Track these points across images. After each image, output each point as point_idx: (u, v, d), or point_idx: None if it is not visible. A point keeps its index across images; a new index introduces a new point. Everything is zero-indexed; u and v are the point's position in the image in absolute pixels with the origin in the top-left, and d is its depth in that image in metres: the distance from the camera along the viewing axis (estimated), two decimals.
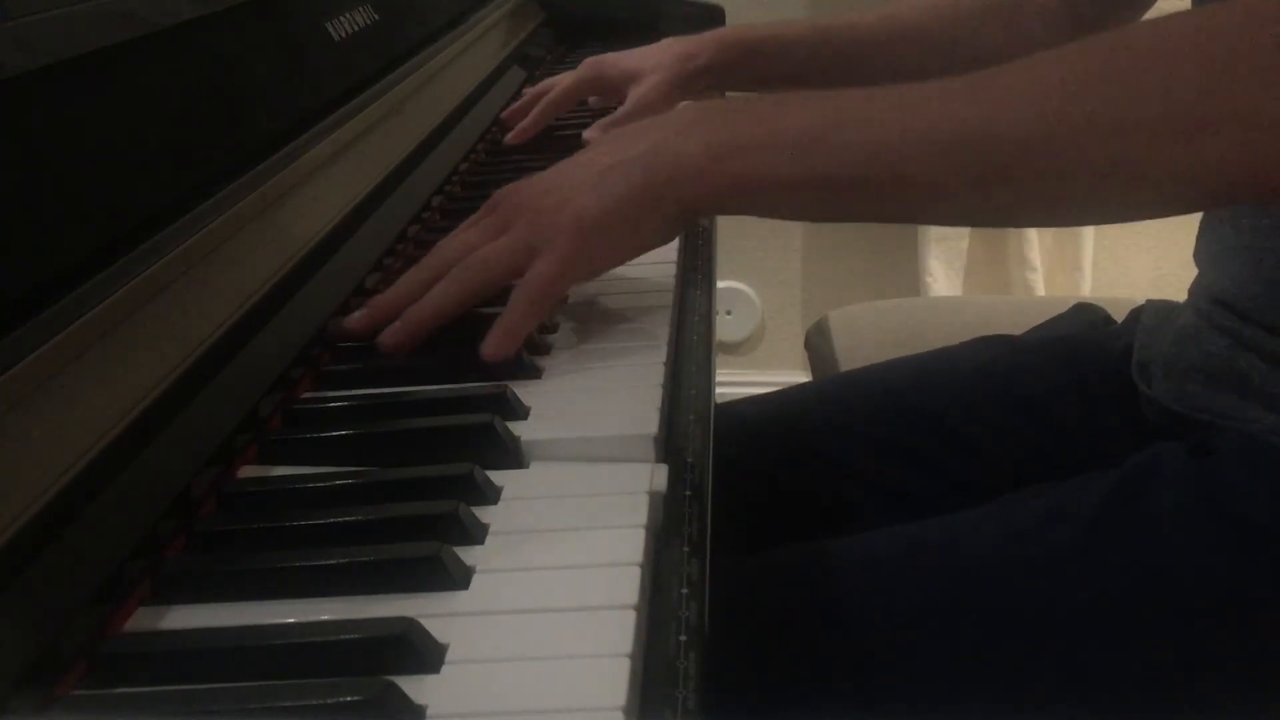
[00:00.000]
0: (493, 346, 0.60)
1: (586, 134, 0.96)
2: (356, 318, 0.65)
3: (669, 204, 0.62)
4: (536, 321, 0.63)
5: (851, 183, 0.58)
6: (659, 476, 0.51)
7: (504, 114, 1.06)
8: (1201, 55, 0.51)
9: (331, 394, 0.62)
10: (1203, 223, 0.80)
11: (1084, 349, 0.90)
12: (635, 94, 1.00)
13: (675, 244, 0.79)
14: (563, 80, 1.05)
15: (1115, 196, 0.55)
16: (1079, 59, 0.55)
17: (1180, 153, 0.51)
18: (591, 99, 1.09)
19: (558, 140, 1.03)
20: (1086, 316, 0.96)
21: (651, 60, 1.01)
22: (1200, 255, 0.80)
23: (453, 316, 0.63)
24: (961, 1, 1.00)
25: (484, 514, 0.50)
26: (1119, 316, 0.92)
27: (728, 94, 1.08)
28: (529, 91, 1.08)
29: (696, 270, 0.79)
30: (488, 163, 1.02)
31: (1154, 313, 0.85)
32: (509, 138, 1.03)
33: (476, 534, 0.48)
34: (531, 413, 0.58)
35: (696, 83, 1.01)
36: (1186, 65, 0.51)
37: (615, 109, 1.03)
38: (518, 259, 0.63)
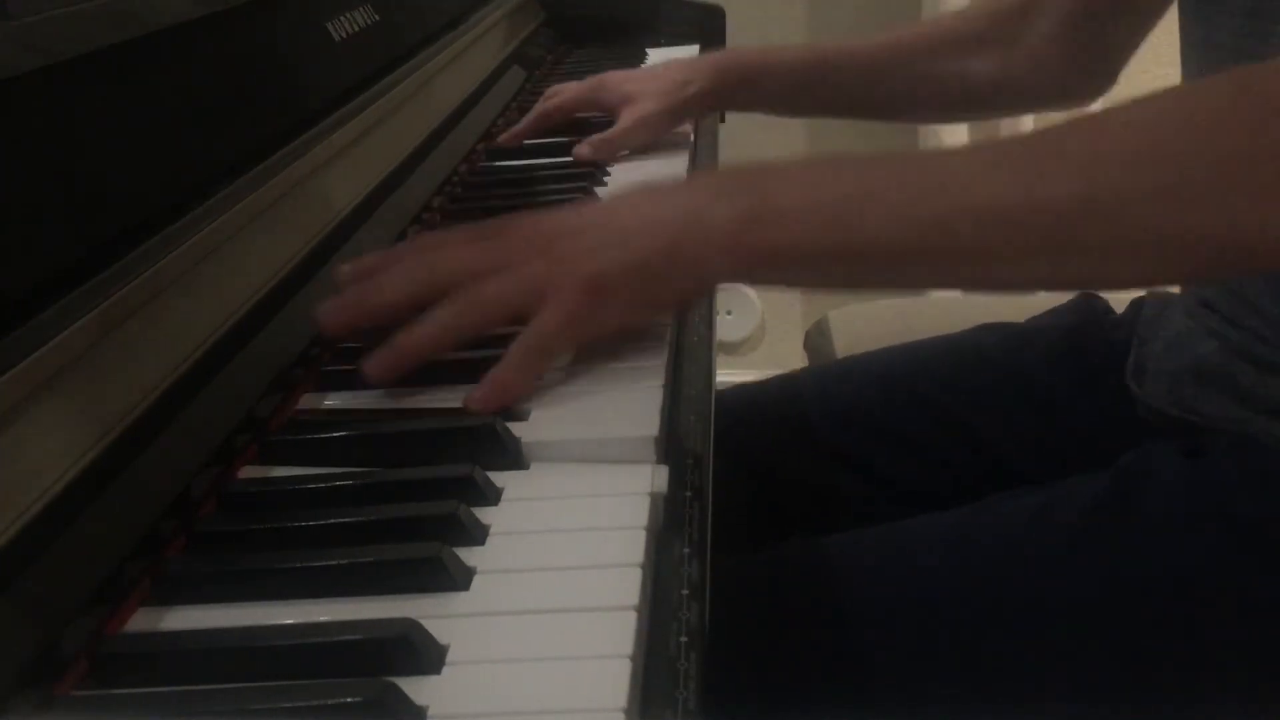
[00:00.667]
0: (481, 401, 0.57)
1: (576, 150, 0.96)
2: (335, 309, 0.61)
3: (691, 275, 0.59)
4: (532, 378, 0.59)
5: (889, 255, 0.56)
6: (659, 477, 0.51)
7: (502, 138, 1.05)
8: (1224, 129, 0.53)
9: (332, 394, 0.62)
10: None
11: (1085, 338, 0.90)
12: (628, 114, 1.00)
13: None
14: (566, 91, 1.06)
15: (1159, 262, 0.56)
16: (1114, 130, 0.55)
17: (1229, 214, 0.52)
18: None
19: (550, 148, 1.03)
20: (1089, 306, 0.95)
21: (649, 85, 1.02)
22: None
23: (444, 352, 0.60)
24: (957, 29, 1.01)
25: (485, 515, 0.50)
26: (1119, 307, 0.92)
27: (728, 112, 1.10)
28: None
29: None
30: (488, 164, 1.02)
31: (1154, 306, 0.85)
32: (501, 137, 1.04)
33: (477, 535, 0.48)
34: (532, 413, 0.58)
35: (691, 108, 1.02)
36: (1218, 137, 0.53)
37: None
38: (524, 303, 0.58)
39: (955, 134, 1.88)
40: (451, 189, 0.94)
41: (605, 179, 0.94)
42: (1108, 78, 0.99)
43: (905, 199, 0.56)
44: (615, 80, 1.04)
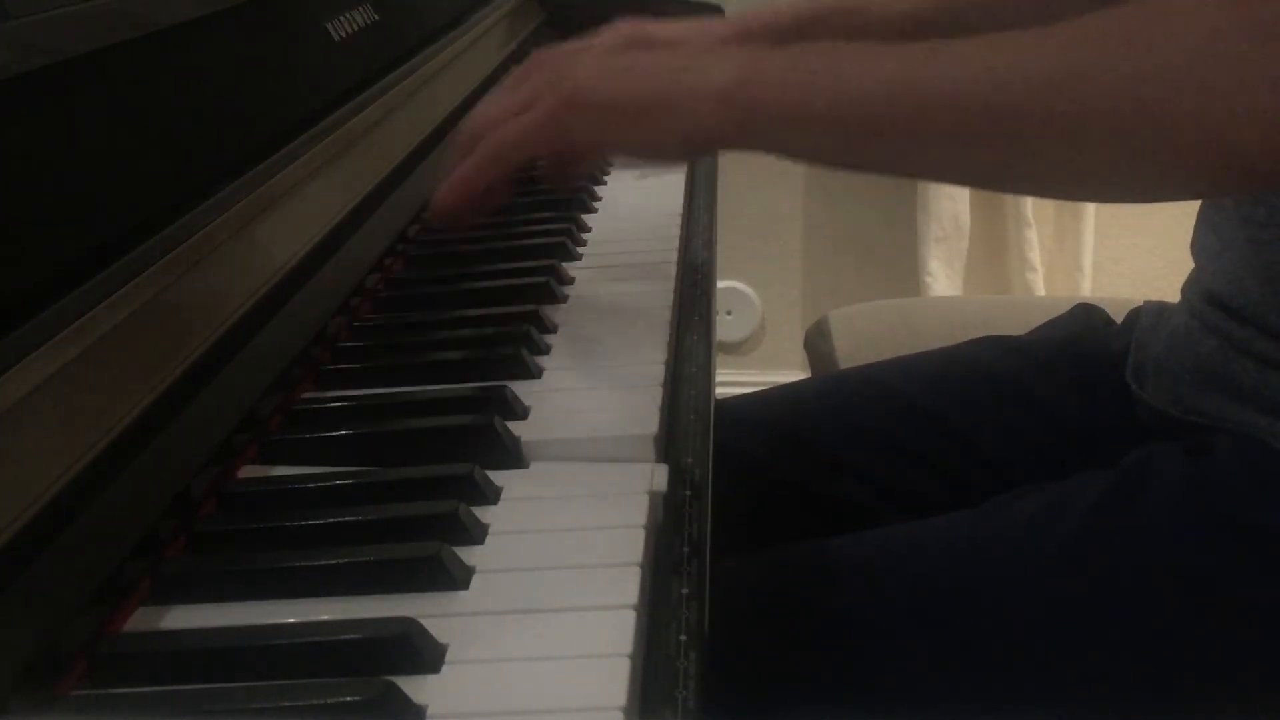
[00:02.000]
0: (441, 194, 0.63)
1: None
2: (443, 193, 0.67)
3: (674, 122, 0.61)
4: (490, 175, 0.63)
5: (865, 122, 0.58)
6: (659, 476, 0.51)
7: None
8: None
9: (331, 394, 0.62)
10: (1201, 214, 0.80)
11: (1084, 350, 0.90)
12: None
13: (675, 243, 0.79)
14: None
15: (1135, 150, 0.54)
16: (1096, 21, 0.55)
17: (1203, 97, 0.51)
18: None
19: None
20: (1087, 317, 0.95)
21: None
22: (1197, 248, 0.80)
23: (479, 184, 0.65)
24: None
25: (484, 514, 0.50)
26: (1119, 317, 0.92)
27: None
28: None
29: (696, 270, 0.79)
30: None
31: (1151, 314, 0.85)
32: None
33: (477, 534, 0.48)
34: (531, 413, 0.58)
35: None
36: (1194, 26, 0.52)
37: None
38: (533, 123, 0.63)
39: None
40: None
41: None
42: None
43: (889, 69, 0.57)
44: None
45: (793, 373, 2.03)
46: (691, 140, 0.62)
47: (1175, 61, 0.52)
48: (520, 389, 0.60)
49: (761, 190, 2.07)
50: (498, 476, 0.53)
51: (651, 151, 0.66)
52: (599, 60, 0.64)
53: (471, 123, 0.68)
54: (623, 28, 0.73)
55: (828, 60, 0.59)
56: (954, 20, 0.91)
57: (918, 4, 0.92)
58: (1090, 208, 1.91)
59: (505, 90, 0.68)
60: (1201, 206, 0.80)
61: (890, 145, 0.59)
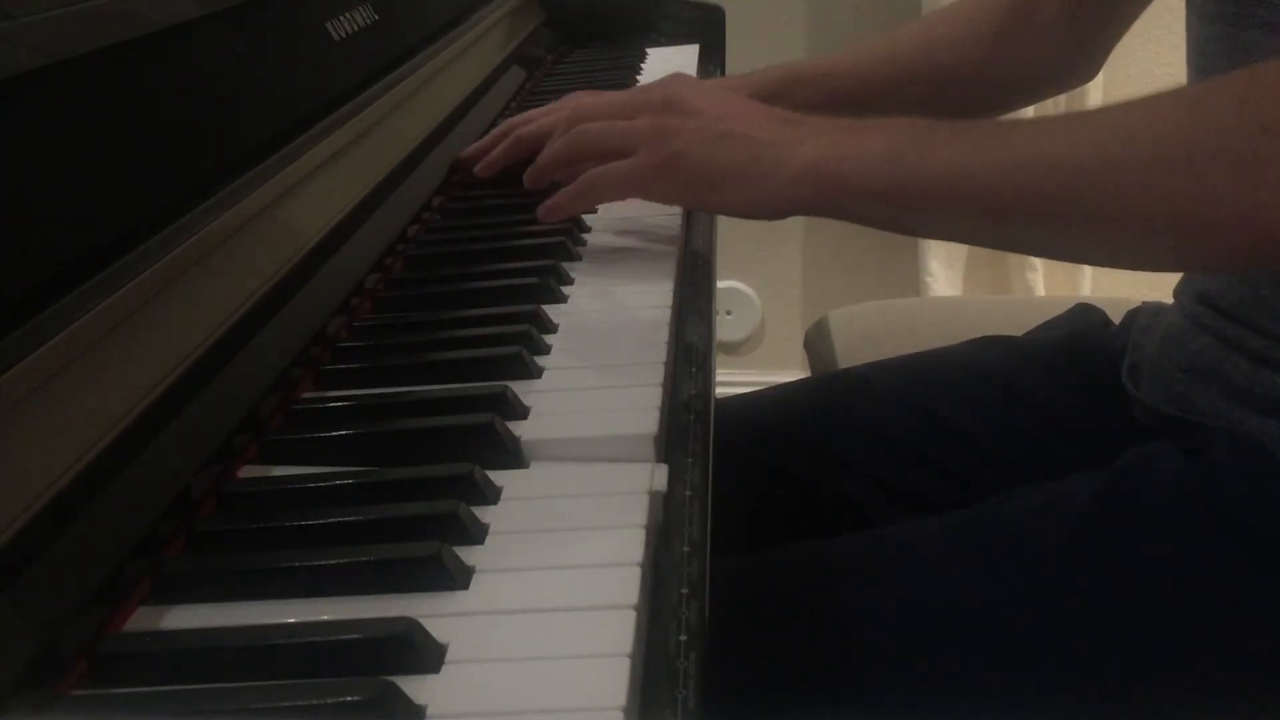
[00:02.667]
0: (541, 212, 0.76)
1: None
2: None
3: (764, 189, 0.69)
4: (580, 209, 0.76)
5: (926, 201, 0.66)
6: (659, 476, 0.51)
7: (464, 153, 0.95)
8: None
9: (331, 394, 0.62)
10: None
11: (1083, 350, 0.90)
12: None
13: (675, 244, 0.79)
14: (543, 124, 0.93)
15: (1161, 235, 0.60)
16: (1140, 109, 0.60)
17: (1230, 192, 0.56)
18: None
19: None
20: (1086, 317, 0.96)
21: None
22: None
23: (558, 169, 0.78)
24: (956, 31, 1.00)
25: (484, 514, 0.50)
26: (1118, 317, 0.92)
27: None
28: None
29: (696, 270, 0.79)
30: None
31: (1148, 314, 0.85)
32: (476, 168, 0.93)
33: (476, 534, 0.48)
34: (531, 413, 0.58)
35: None
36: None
37: None
38: (617, 148, 0.72)
39: None
40: (452, 188, 0.94)
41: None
42: (1099, 63, 0.99)
43: (944, 156, 0.65)
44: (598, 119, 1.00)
45: (793, 373, 2.03)
46: (769, 206, 0.69)
47: (1204, 157, 0.56)
48: (520, 389, 0.60)
49: None
50: (498, 476, 0.53)
51: (728, 213, 0.73)
52: (702, 126, 0.71)
53: (575, 110, 0.78)
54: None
55: (894, 141, 0.66)
56: (898, 93, 0.99)
57: (868, 74, 1.01)
58: None
59: (621, 99, 0.77)
60: None
61: (942, 221, 0.68)
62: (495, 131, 0.94)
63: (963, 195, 0.64)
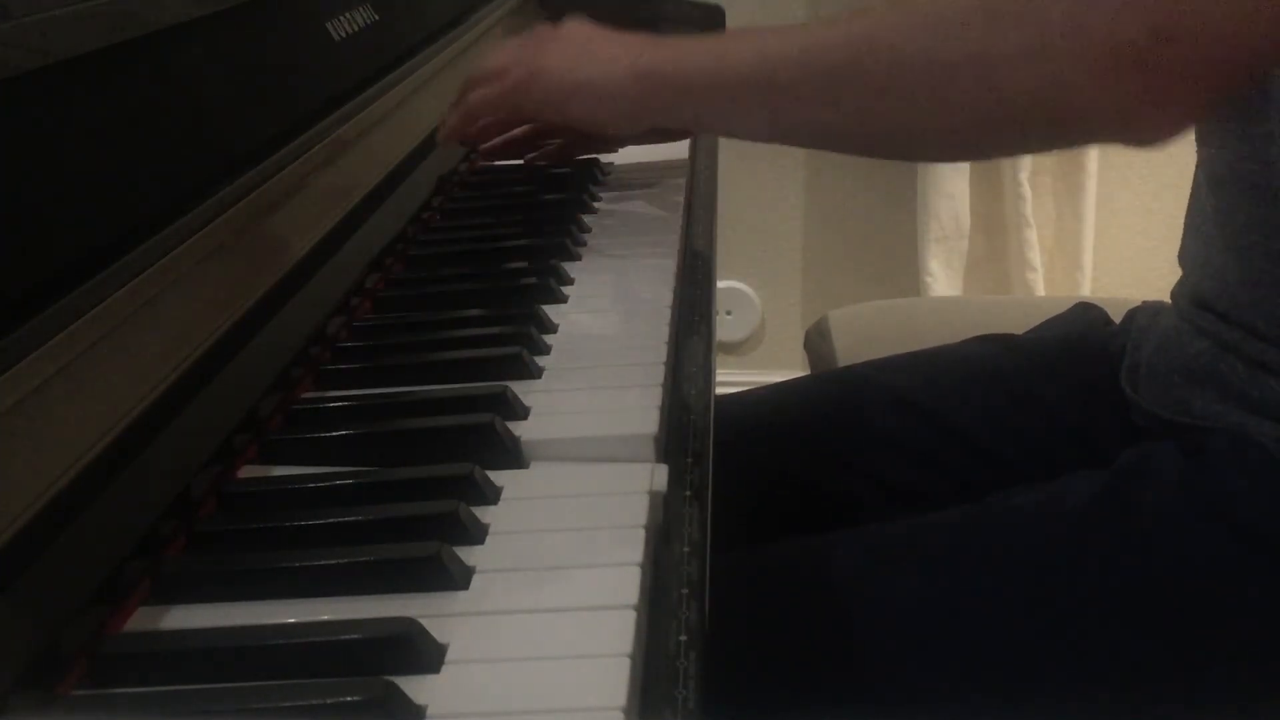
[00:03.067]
0: (440, 134, 0.90)
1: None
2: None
3: (600, 97, 0.78)
4: (467, 126, 0.89)
5: (728, 88, 0.72)
6: (659, 476, 0.51)
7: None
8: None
9: (331, 394, 0.62)
10: (1187, 222, 0.80)
11: (1083, 349, 0.90)
12: None
13: (675, 244, 0.79)
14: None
15: (932, 101, 0.64)
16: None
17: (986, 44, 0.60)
18: None
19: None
20: (1086, 316, 0.95)
21: None
22: (1184, 256, 0.80)
23: (462, 134, 0.90)
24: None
25: (484, 514, 0.50)
26: (1118, 317, 0.92)
27: None
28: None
29: (696, 270, 0.79)
30: (488, 163, 1.02)
31: (1147, 314, 0.85)
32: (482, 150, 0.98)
33: (476, 534, 0.48)
34: (531, 413, 0.58)
35: None
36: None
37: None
38: (499, 83, 0.84)
39: None
40: (452, 188, 0.94)
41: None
42: None
43: (748, 47, 0.72)
44: None
45: (793, 373, 2.03)
46: (616, 111, 0.78)
47: (964, 13, 0.61)
48: (520, 389, 0.60)
49: (761, 190, 2.07)
50: (498, 476, 0.53)
51: (587, 124, 0.82)
52: (561, 49, 0.81)
53: (466, 78, 0.88)
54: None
55: (714, 43, 0.75)
56: None
57: None
58: (1090, 208, 1.91)
59: (494, 53, 0.87)
60: (1187, 215, 0.80)
61: (759, 113, 0.72)
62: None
63: (773, 83, 0.69)
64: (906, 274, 2.02)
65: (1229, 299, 0.73)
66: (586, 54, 0.79)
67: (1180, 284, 0.80)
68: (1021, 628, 0.68)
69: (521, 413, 0.58)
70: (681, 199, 0.89)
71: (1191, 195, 0.79)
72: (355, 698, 0.39)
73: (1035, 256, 1.93)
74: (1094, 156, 1.89)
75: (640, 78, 0.76)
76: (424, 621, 0.42)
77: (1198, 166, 0.76)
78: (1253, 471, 0.68)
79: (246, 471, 0.55)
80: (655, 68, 0.76)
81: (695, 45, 0.76)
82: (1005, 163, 1.90)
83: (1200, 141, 0.75)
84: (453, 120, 0.88)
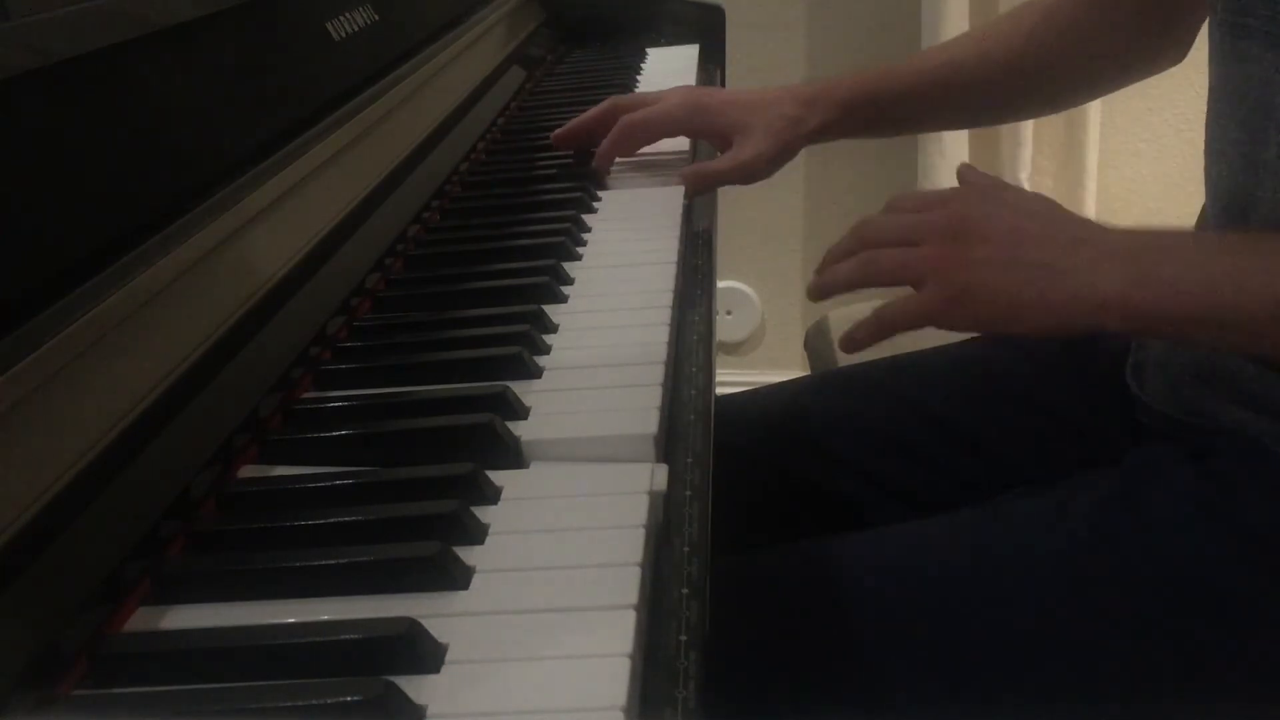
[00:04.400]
0: (844, 343, 0.74)
1: (682, 173, 0.93)
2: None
3: (1055, 319, 0.66)
4: (876, 339, 0.71)
5: (1246, 326, 0.64)
6: (659, 476, 0.51)
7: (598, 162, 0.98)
8: None
9: (331, 394, 0.62)
10: (1198, 225, 0.80)
11: (1084, 347, 0.90)
12: (740, 154, 0.95)
13: (675, 243, 0.79)
14: (659, 116, 0.97)
15: None
16: None
17: None
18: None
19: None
20: None
21: (760, 117, 0.96)
22: None
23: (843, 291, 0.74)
24: (1036, 29, 0.98)
25: (484, 514, 0.50)
26: None
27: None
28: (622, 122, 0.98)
29: (696, 270, 0.79)
30: (488, 162, 1.02)
31: None
32: (597, 162, 0.97)
33: (477, 534, 0.48)
34: (531, 413, 0.58)
35: (803, 143, 0.98)
36: None
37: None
38: (909, 278, 0.70)
39: (957, 138, 1.88)
40: (452, 188, 0.94)
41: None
42: (1187, 44, 0.98)
43: (1260, 282, 0.63)
44: (719, 105, 0.97)
45: (793, 373, 2.03)
46: (1069, 331, 0.67)
47: None
48: (520, 389, 0.60)
49: (761, 190, 2.06)
50: (498, 476, 0.53)
51: (1022, 336, 0.69)
52: (990, 256, 0.68)
53: (864, 229, 0.74)
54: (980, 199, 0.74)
55: (1195, 269, 0.64)
56: (984, 88, 1.00)
57: (944, 61, 1.00)
58: (1090, 207, 1.91)
59: (907, 223, 0.72)
60: (1200, 215, 0.80)
61: (1246, 338, 0.65)
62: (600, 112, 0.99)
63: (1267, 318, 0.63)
64: None
65: None
66: (1064, 264, 0.66)
67: None
68: (1026, 631, 0.68)
69: (521, 413, 0.58)
70: (681, 199, 0.89)
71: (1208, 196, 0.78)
72: (355, 698, 0.39)
73: None
74: (1094, 156, 1.89)
75: (1129, 318, 0.65)
76: (424, 621, 0.42)
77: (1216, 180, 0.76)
78: (1263, 478, 0.68)
79: (246, 471, 0.55)
80: (1150, 309, 0.64)
81: (1192, 269, 0.64)
82: (1005, 163, 1.90)
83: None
84: (861, 334, 0.72)
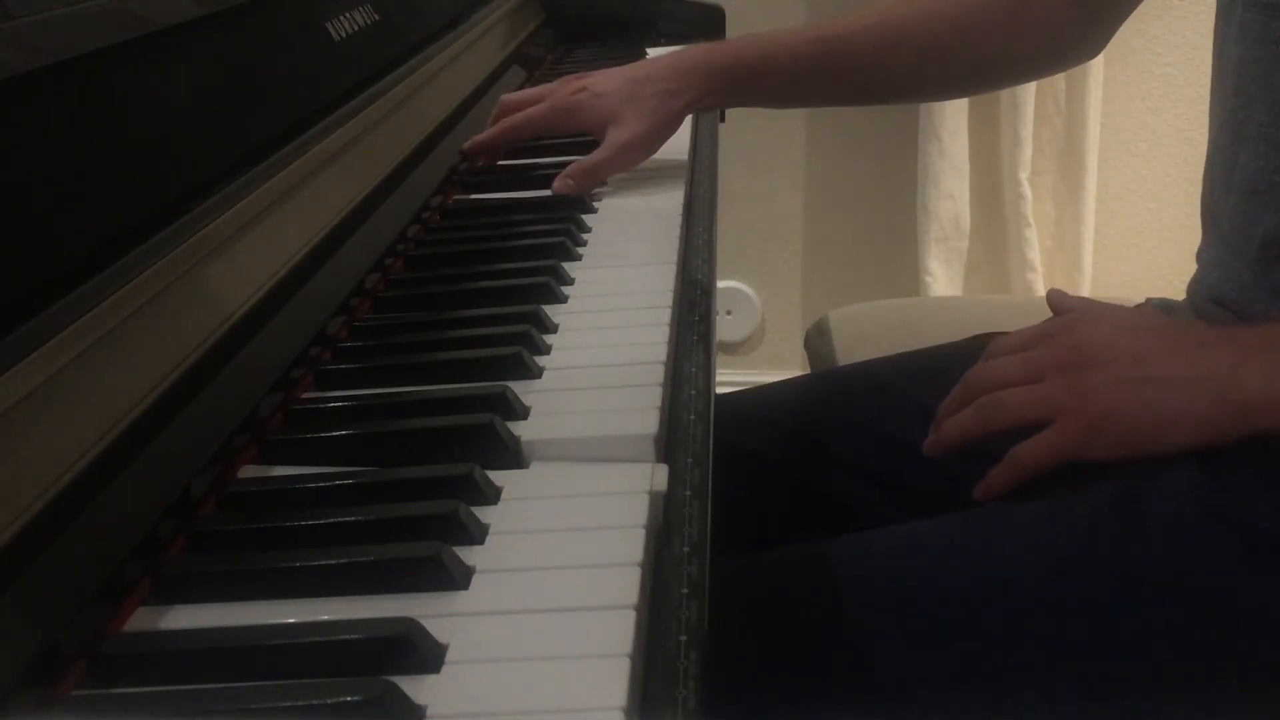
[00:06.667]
0: (978, 492, 0.71)
1: (556, 185, 0.90)
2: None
3: (1198, 431, 0.65)
4: (1009, 489, 0.70)
5: None
6: (659, 476, 0.51)
7: (467, 147, 0.98)
8: None
9: (331, 394, 0.62)
10: (1204, 223, 0.80)
11: None
12: (612, 138, 0.93)
13: (675, 244, 0.79)
14: (531, 111, 0.97)
15: None
16: None
17: None
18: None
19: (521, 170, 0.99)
20: None
21: (631, 103, 0.94)
22: (1203, 256, 0.80)
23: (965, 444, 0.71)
24: (960, 2, 0.98)
25: (484, 514, 0.50)
26: None
27: None
28: (497, 110, 1.00)
29: (696, 270, 0.79)
30: (488, 164, 1.02)
31: (1159, 306, 0.85)
32: (471, 155, 0.98)
33: (477, 534, 0.48)
34: (531, 413, 0.58)
35: (680, 119, 0.97)
36: None
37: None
38: (1035, 416, 0.67)
39: (957, 112, 1.88)
40: (452, 189, 0.94)
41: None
42: (1105, 39, 0.98)
43: None
44: (585, 100, 0.95)
45: (792, 373, 2.03)
46: (1219, 439, 0.65)
47: None
48: (520, 389, 0.60)
49: (761, 190, 2.07)
50: (498, 476, 0.53)
51: (1172, 453, 0.67)
52: (1119, 376, 0.66)
53: (975, 378, 0.73)
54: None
55: None
56: (893, 56, 0.99)
57: (861, 41, 0.99)
58: (1090, 207, 1.92)
59: (1021, 361, 0.70)
60: (1202, 215, 0.80)
61: None
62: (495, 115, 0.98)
63: None
64: (906, 274, 2.02)
65: (1250, 304, 0.72)
66: (1198, 372, 0.65)
67: (1198, 279, 0.80)
68: (1025, 631, 0.68)
69: (521, 413, 0.58)
70: (681, 199, 0.89)
71: (1204, 194, 0.78)
72: (355, 698, 0.39)
73: (1035, 256, 1.93)
74: (1094, 156, 1.89)
75: (1239, 418, 0.64)
76: (424, 621, 0.42)
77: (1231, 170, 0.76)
78: (1266, 478, 0.68)
79: (246, 471, 0.55)
80: (1260, 402, 0.63)
81: None
82: (1005, 163, 1.90)
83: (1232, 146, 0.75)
84: (998, 483, 0.71)
